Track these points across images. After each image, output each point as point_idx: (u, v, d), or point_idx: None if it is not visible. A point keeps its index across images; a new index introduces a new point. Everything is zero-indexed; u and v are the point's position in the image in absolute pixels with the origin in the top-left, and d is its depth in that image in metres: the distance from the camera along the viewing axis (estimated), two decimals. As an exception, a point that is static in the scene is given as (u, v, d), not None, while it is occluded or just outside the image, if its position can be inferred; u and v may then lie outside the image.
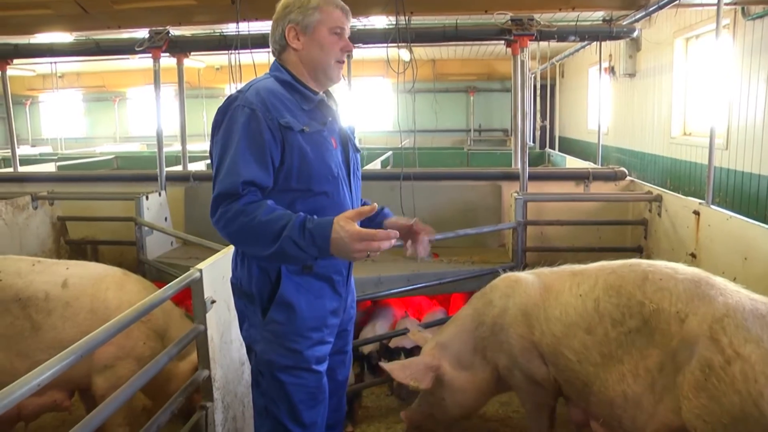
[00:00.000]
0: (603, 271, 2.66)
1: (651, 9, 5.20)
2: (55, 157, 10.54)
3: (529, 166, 9.26)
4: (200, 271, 2.50)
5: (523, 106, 5.08)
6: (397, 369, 2.99)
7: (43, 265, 3.20)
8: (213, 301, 2.59)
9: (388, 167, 9.36)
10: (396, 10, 4.73)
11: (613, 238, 5.06)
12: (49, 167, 8.86)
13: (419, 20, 7.28)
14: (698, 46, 7.75)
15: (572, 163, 8.28)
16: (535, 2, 5.27)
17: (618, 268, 2.63)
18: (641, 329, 2.40)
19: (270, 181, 2.08)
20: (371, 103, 17.40)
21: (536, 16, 5.05)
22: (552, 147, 10.39)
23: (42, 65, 13.38)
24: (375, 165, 8.27)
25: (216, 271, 2.69)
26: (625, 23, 5.70)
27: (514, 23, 4.89)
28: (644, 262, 2.62)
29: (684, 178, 7.71)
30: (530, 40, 4.96)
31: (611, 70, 10.70)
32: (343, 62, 2.27)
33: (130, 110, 18.82)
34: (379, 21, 6.28)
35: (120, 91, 17.19)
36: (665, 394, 2.29)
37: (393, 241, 1.93)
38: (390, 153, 10.07)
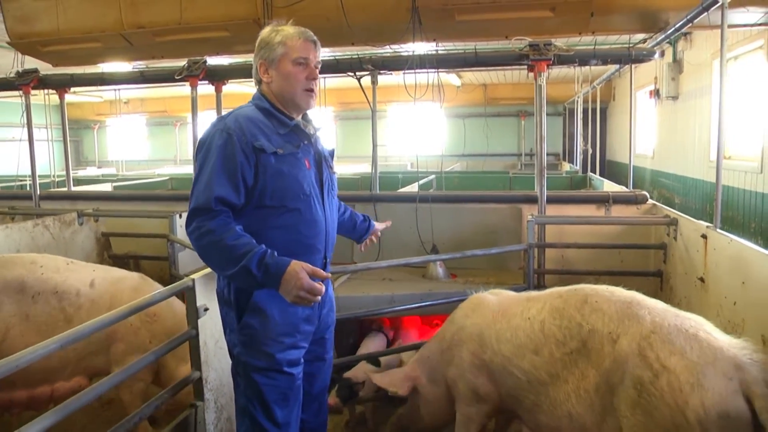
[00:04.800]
0: (551, 296, 2.80)
1: (669, 31, 5.20)
2: (114, 178, 11.17)
3: (571, 189, 9.33)
4: (193, 280, 2.73)
5: (542, 130, 5.14)
6: (378, 377, 3.29)
7: (76, 265, 3.64)
8: (206, 309, 2.81)
9: (431, 190, 9.52)
10: (414, 38, 4.92)
11: (635, 262, 5.05)
12: (107, 187, 9.43)
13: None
14: (737, 68, 7.62)
15: (609, 187, 8.21)
16: (555, 27, 5.38)
17: (565, 293, 2.76)
18: (581, 350, 2.50)
19: (239, 199, 2.30)
20: (419, 128, 17.52)
21: (557, 41, 5.15)
22: (593, 171, 10.29)
23: (108, 92, 14.29)
24: (413, 187, 8.44)
25: (213, 281, 2.91)
26: (650, 45, 5.71)
27: (531, 48, 4.98)
28: (588, 286, 2.72)
29: (723, 204, 7.50)
30: (548, 65, 5.03)
31: (656, 93, 10.58)
32: (312, 90, 2.46)
33: (189, 134, 19.66)
34: (420, 48, 6.47)
35: (181, 115, 18.06)
36: (606, 416, 2.36)
37: (319, 298, 2.23)
38: (433, 177, 10.23)
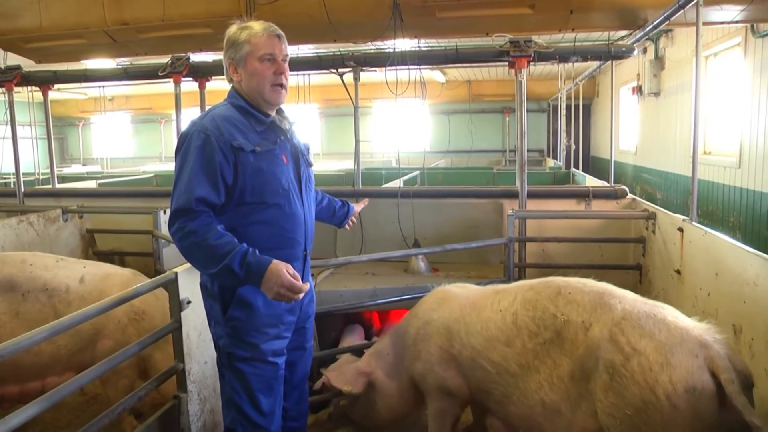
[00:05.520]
0: (522, 288, 2.85)
1: (648, 29, 5.30)
2: (99, 176, 11.14)
3: (554, 185, 9.43)
4: (176, 273, 2.77)
5: (522, 125, 5.23)
6: (333, 375, 3.24)
7: (66, 262, 3.64)
8: (189, 302, 2.85)
9: (415, 186, 9.58)
10: (395, 35, 4.97)
11: (615, 255, 5.14)
12: (92, 185, 9.41)
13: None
14: (716, 65, 7.75)
15: (591, 182, 8.32)
16: (535, 24, 5.46)
17: (536, 285, 2.81)
18: (554, 340, 2.57)
19: (219, 198, 2.35)
20: (406, 124, 17.57)
21: (539, 38, 5.23)
22: (576, 167, 10.40)
23: (92, 89, 14.23)
24: (395, 183, 8.50)
25: (196, 275, 2.95)
26: (629, 42, 5.80)
27: (511, 45, 5.05)
28: (560, 279, 2.79)
29: (702, 198, 7.67)
30: (528, 62, 5.10)
31: (639, 89, 10.70)
32: (281, 84, 2.49)
33: (174, 131, 19.58)
34: (404, 44, 6.49)
35: (165, 113, 17.96)
36: (581, 401, 2.44)
37: (300, 296, 2.28)
38: (416, 173, 10.30)
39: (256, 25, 2.47)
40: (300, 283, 2.26)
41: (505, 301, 2.84)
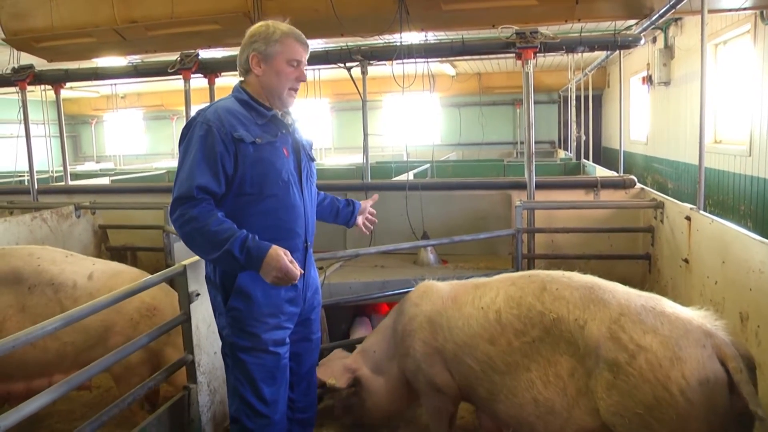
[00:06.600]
0: (504, 283, 2.80)
1: (654, 17, 5.27)
2: (112, 173, 11.25)
3: (564, 176, 9.42)
4: (184, 266, 2.82)
5: (530, 117, 5.22)
6: (320, 369, 3.18)
7: (75, 257, 3.64)
8: (197, 294, 2.90)
9: (426, 178, 9.59)
10: (401, 28, 4.99)
11: (624, 245, 5.15)
12: (104, 182, 9.52)
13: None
14: (726, 52, 7.69)
15: (600, 173, 8.30)
16: (540, 15, 5.44)
17: (518, 280, 2.76)
18: (544, 338, 2.52)
19: (219, 187, 2.41)
20: (416, 118, 17.54)
21: (547, 29, 5.22)
22: (587, 158, 10.36)
23: (104, 87, 14.36)
24: (404, 176, 8.52)
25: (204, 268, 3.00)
26: (636, 31, 5.77)
27: (518, 36, 5.05)
28: (543, 272, 2.73)
29: (713, 187, 7.62)
30: (535, 53, 5.10)
31: (649, 79, 10.63)
32: (297, 89, 2.57)
33: (186, 128, 19.74)
34: (411, 37, 6.49)
35: (177, 109, 18.04)
36: (580, 398, 2.40)
37: (294, 281, 2.38)
38: (427, 165, 10.31)
39: (286, 28, 2.51)
40: (296, 269, 2.33)
41: (487, 297, 2.79)
